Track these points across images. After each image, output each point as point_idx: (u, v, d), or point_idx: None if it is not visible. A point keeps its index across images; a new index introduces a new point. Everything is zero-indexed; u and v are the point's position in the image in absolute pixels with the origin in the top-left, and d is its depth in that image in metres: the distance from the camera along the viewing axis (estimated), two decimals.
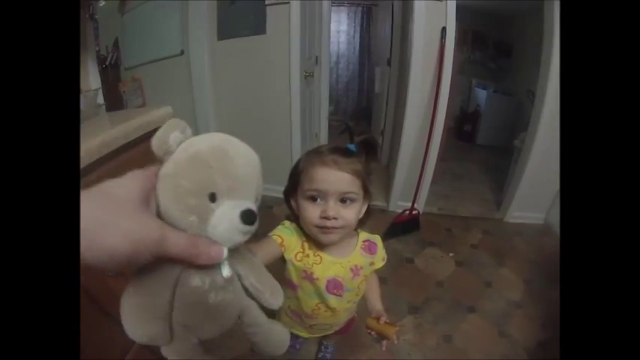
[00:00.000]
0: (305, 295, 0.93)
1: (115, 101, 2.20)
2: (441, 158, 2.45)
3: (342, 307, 0.96)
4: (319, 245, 0.88)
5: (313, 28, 2.69)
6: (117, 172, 0.93)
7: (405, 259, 2.13)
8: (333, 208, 0.79)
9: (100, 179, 0.88)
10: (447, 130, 2.37)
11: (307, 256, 0.88)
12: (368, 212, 0.90)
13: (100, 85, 1.54)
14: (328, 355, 1.50)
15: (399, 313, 1.73)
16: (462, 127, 4.65)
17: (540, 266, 2.10)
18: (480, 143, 4.43)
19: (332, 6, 3.19)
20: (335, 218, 0.79)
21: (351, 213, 0.82)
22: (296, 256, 0.88)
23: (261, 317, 0.56)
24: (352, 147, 0.83)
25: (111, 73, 2.51)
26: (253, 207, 0.43)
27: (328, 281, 0.89)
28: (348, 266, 0.91)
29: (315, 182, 0.79)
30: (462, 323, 1.70)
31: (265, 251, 0.83)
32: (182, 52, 2.70)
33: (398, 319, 1.67)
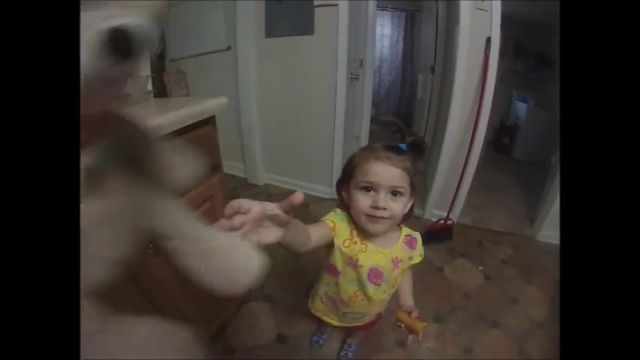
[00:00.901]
0: (346, 281, 1.01)
1: (159, 90, 2.28)
2: (477, 170, 2.43)
3: (378, 297, 1.03)
4: (366, 234, 0.95)
5: (359, 31, 2.71)
6: None
7: (435, 268, 2.13)
8: (384, 199, 0.86)
9: None
10: (485, 142, 2.35)
11: (355, 243, 0.95)
12: (411, 209, 0.97)
13: (149, 73, 1.59)
14: (350, 354, 1.54)
15: (424, 320, 1.73)
16: (501, 139, 4.56)
17: None
18: (517, 157, 4.33)
19: (376, 10, 3.20)
20: (384, 209, 0.86)
21: (399, 206, 0.89)
22: (344, 242, 0.95)
23: (190, 222, 0.44)
24: (403, 146, 0.89)
25: (157, 63, 2.62)
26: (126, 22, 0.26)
27: (370, 269, 0.96)
28: (390, 257, 0.98)
29: (368, 175, 0.87)
30: (484, 337, 1.70)
31: (319, 233, 0.88)
32: (229, 48, 2.77)
33: None
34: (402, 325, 1.02)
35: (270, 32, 2.58)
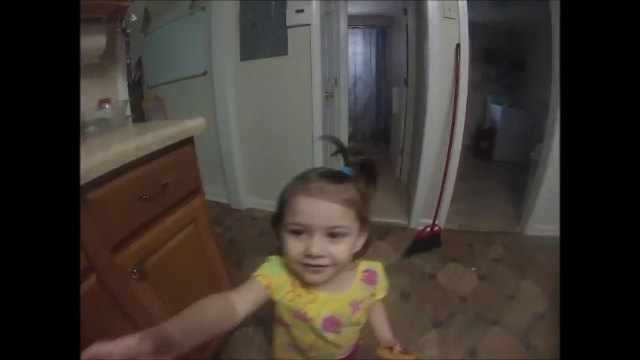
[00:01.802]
0: (299, 332, 0.81)
1: (138, 117, 2.26)
2: (460, 176, 2.45)
3: (343, 340, 0.84)
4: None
5: (332, 50, 2.75)
6: (151, 177, 0.99)
7: (428, 275, 2.11)
8: (319, 244, 0.67)
9: (134, 181, 0.92)
10: (464, 147, 2.38)
11: (299, 295, 0.76)
12: (367, 243, 0.78)
13: (127, 98, 1.57)
14: None
15: (423, 328, 1.71)
16: (479, 144, 4.66)
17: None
18: (497, 159, 4.43)
19: (348, 28, 3.28)
20: (321, 256, 0.68)
21: (341, 249, 0.70)
22: (286, 295, 0.76)
23: None
24: (346, 170, 0.74)
25: (135, 90, 2.60)
26: None
27: (325, 319, 0.77)
28: (347, 301, 0.79)
29: (297, 215, 0.68)
30: (486, 336, 1.68)
31: (249, 298, 0.70)
32: (205, 73, 2.79)
33: (422, 334, 1.67)
34: None
35: (245, 55, 2.62)
